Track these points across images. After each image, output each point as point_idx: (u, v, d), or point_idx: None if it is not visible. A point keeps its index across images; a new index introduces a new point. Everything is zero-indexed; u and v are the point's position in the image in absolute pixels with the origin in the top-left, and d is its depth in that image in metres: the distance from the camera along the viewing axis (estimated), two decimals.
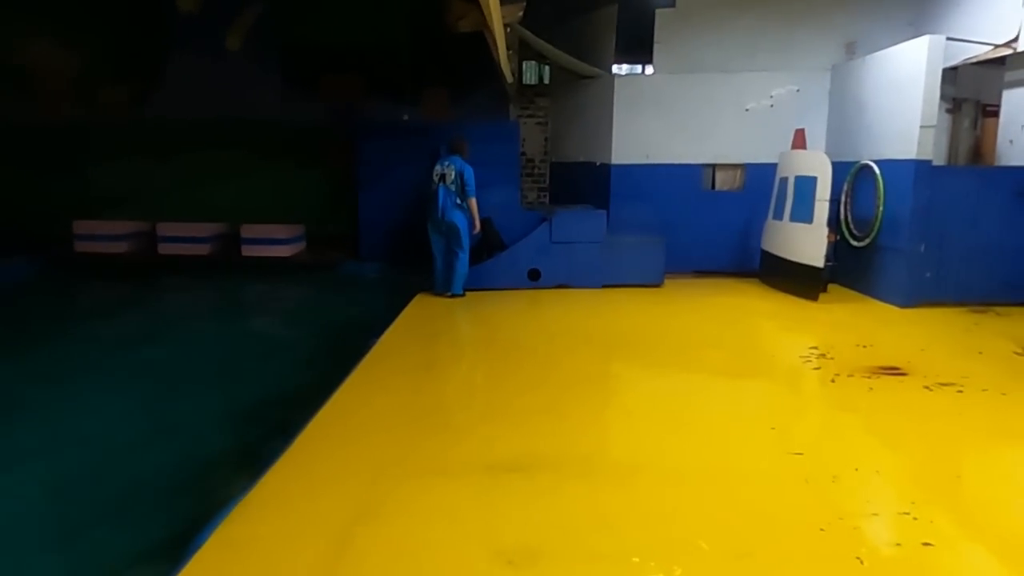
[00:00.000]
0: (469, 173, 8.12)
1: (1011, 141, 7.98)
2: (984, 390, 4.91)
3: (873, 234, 8.06)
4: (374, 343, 6.07)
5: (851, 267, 8.48)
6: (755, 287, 9.00)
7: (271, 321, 8.72)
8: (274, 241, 11.23)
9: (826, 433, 4.31)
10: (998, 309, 7.46)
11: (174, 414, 5.27)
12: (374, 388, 5.01)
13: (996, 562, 2.84)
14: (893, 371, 5.34)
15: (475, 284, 8.53)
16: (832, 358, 5.70)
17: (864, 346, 6.08)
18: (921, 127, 7.37)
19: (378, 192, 10.91)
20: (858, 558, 2.81)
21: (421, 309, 7.70)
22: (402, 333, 6.64)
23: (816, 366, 5.50)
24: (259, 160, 11.98)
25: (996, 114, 9.18)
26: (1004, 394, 4.84)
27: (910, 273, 7.63)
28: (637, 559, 2.82)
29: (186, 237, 11.39)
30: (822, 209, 7.93)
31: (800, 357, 5.79)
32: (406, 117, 12.09)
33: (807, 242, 8.11)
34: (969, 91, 9.41)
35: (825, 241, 7.86)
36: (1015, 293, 7.65)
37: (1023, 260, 7.58)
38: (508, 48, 8.84)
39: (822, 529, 3.04)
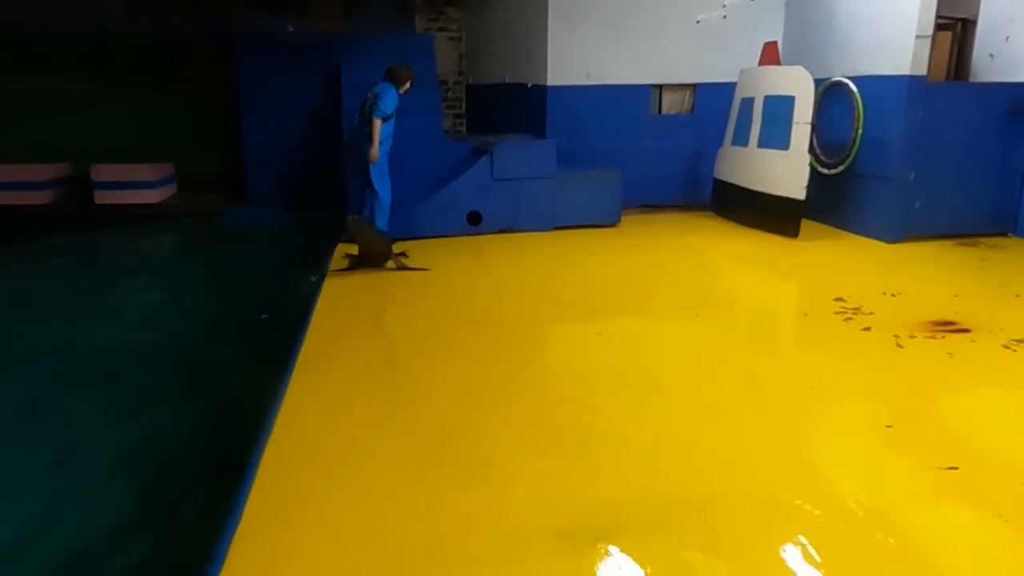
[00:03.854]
0: (385, 91, 6.45)
1: (991, 55, 7.33)
2: None
3: (849, 160, 7.29)
4: (303, 336, 4.49)
5: (817, 197, 7.61)
6: (716, 223, 8.08)
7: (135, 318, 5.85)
8: (136, 185, 9.09)
9: (969, 437, 3.25)
10: (987, 241, 6.93)
11: None
12: (320, 401, 3.59)
13: None
14: (951, 327, 4.53)
15: (406, 232, 7.05)
16: (871, 312, 4.82)
17: (892, 294, 5.25)
18: (917, 37, 6.52)
19: (265, 121, 9.00)
20: None
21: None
22: (336, 312, 5.11)
23: (864, 326, 4.58)
24: (106, 86, 9.66)
25: (946, 27, 8.60)
26: None
27: (898, 204, 6.91)
28: None
29: (15, 183, 8.98)
30: (802, 133, 7.02)
31: (834, 314, 4.86)
32: (291, 29, 10.06)
33: (783, 171, 7.21)
34: None
35: (807, 169, 6.99)
36: (999, 222, 7.14)
37: (1012, 186, 7.04)
38: None
39: None
